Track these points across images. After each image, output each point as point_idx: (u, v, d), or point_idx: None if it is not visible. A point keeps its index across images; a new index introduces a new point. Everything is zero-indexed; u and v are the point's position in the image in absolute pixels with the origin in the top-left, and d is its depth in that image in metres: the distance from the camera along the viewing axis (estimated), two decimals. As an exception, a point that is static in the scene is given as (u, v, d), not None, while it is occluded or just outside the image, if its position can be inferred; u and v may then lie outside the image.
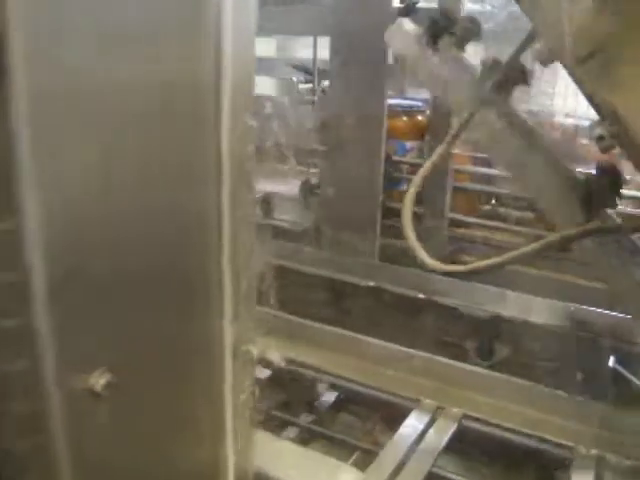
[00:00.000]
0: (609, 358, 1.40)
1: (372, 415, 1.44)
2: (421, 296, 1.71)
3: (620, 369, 1.38)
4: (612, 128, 0.64)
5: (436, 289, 1.72)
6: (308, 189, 2.16)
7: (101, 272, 0.69)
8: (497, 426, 1.26)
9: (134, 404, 0.80)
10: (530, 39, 0.82)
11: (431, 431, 1.22)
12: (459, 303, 1.68)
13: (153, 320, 0.81)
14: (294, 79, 2.61)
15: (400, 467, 1.12)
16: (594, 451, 1.16)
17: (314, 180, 2.11)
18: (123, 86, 0.69)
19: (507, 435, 1.25)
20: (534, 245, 0.71)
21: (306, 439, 1.39)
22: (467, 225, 2.02)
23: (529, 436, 1.23)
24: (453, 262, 1.95)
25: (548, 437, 1.21)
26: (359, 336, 1.45)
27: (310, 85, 2.57)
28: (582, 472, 1.13)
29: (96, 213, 0.67)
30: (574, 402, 1.27)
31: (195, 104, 0.77)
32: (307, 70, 2.51)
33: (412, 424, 1.24)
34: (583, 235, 0.70)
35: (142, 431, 0.84)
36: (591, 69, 0.61)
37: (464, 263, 1.93)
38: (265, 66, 3.14)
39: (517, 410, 1.27)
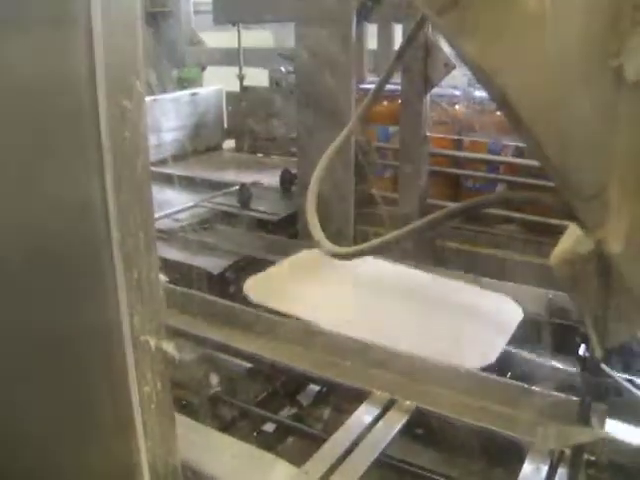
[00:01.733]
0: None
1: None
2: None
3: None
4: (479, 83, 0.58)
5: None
6: (288, 179, 2.12)
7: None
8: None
9: (18, 400, 0.78)
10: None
11: (379, 424, 1.17)
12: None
13: (38, 312, 0.78)
14: (282, 69, 2.57)
15: (339, 462, 1.07)
16: (551, 445, 1.09)
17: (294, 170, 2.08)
18: None
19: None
20: (418, 223, 0.66)
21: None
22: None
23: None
24: (434, 248, 1.90)
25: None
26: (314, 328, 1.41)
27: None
28: (536, 464, 1.07)
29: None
30: (537, 394, 1.19)
31: (69, 93, 0.74)
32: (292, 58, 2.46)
33: (360, 417, 1.19)
34: (471, 208, 0.65)
35: (33, 427, 0.82)
36: (452, 20, 0.56)
37: (443, 249, 1.89)
38: (262, 57, 3.11)
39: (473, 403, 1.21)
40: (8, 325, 0.76)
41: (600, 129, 0.52)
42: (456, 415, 1.18)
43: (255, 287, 1.56)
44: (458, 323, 1.38)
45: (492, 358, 1.29)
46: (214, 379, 1.45)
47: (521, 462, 1.08)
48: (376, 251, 0.71)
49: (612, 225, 0.53)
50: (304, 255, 1.73)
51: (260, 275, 1.60)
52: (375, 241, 0.70)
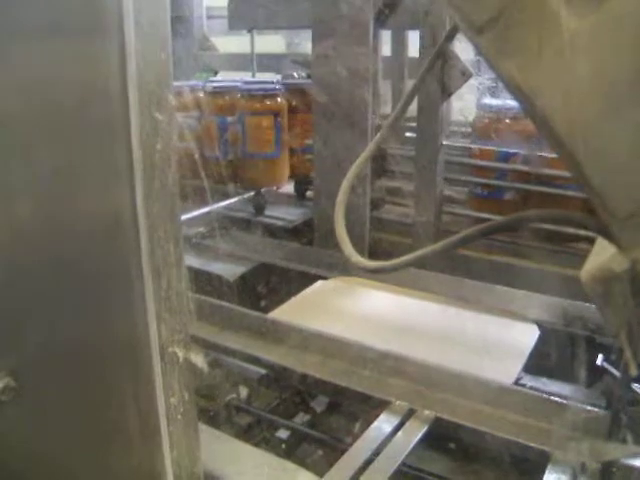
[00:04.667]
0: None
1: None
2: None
3: (609, 368, 1.30)
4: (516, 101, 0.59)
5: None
6: (303, 185, 2.13)
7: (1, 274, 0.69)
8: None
9: (46, 408, 0.79)
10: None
11: (399, 434, 1.17)
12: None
13: (67, 322, 0.79)
14: (294, 74, 2.58)
15: (360, 472, 1.08)
16: (571, 456, 1.09)
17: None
18: (25, 88, 0.68)
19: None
20: (447, 241, 0.66)
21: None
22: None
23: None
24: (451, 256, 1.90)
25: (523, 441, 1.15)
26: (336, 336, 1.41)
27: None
28: (556, 476, 1.07)
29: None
30: (554, 403, 1.19)
31: (101, 104, 0.75)
32: (305, 64, 2.48)
33: (379, 427, 1.19)
34: (498, 229, 0.65)
35: (61, 436, 0.82)
36: (492, 39, 0.56)
37: (460, 257, 1.89)
38: (274, 63, 3.12)
39: (492, 412, 1.21)
40: (39, 334, 0.77)
41: (637, 151, 0.52)
42: (475, 425, 1.18)
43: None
44: (470, 357, 1.38)
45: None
46: (230, 386, 1.46)
47: (540, 474, 1.09)
48: (403, 267, 0.72)
49: (649, 245, 0.53)
50: (318, 288, 1.73)
51: (277, 311, 1.61)
52: (402, 258, 0.71)
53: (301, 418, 1.52)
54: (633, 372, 0.58)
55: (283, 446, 1.33)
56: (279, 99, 2.17)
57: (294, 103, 2.25)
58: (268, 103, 2.14)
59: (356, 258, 0.75)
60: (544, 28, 0.53)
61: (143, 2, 0.75)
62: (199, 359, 0.86)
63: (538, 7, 0.53)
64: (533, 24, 0.54)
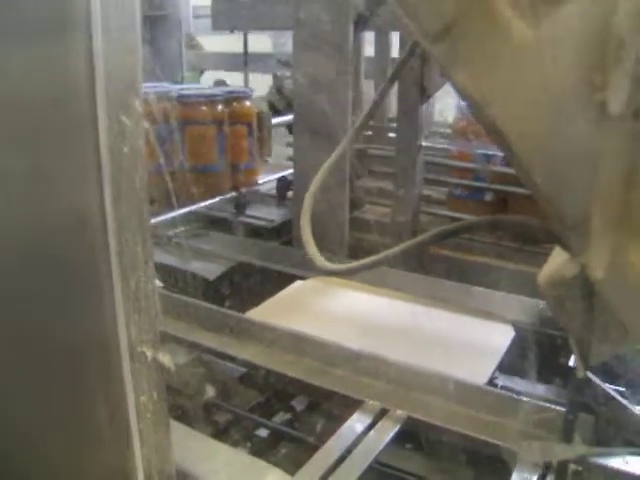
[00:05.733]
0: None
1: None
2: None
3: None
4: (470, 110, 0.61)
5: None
6: (284, 185, 2.14)
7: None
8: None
9: (15, 407, 0.79)
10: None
11: (371, 433, 1.19)
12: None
13: (37, 322, 0.80)
14: (278, 74, 2.58)
15: (331, 471, 1.09)
16: (534, 460, 1.11)
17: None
18: None
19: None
20: (409, 242, 0.68)
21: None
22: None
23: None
24: (432, 256, 1.92)
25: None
26: (310, 335, 1.42)
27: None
28: (524, 474, 1.08)
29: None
30: (528, 405, 1.21)
31: (69, 107, 0.75)
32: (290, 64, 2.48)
33: (352, 426, 1.20)
34: (456, 232, 0.66)
35: (32, 435, 0.83)
36: (444, 49, 0.58)
37: (435, 257, 1.91)
38: (260, 62, 3.13)
39: (463, 412, 1.23)
40: (6, 334, 0.77)
41: (585, 161, 0.54)
42: (447, 424, 1.20)
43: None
44: (444, 357, 1.40)
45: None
46: (208, 385, 1.47)
47: (510, 472, 1.10)
48: (367, 268, 0.73)
49: (594, 252, 0.55)
50: (295, 289, 1.74)
51: (254, 311, 1.62)
52: (366, 259, 0.72)
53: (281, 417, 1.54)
54: (579, 374, 0.60)
55: (249, 444, 1.34)
56: (220, 107, 2.12)
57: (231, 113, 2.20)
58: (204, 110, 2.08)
59: (319, 261, 0.77)
60: (495, 39, 0.55)
61: (111, 7, 0.76)
62: (167, 359, 0.87)
63: (490, 18, 0.54)
64: (485, 35, 0.55)
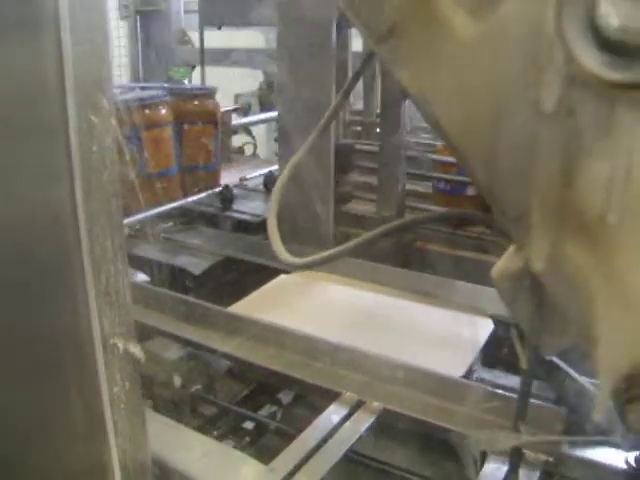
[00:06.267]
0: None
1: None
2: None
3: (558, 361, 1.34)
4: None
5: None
6: (271, 181, 2.15)
7: None
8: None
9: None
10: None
11: (347, 424, 1.21)
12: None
13: (7, 315, 0.82)
14: (268, 70, 2.60)
15: (305, 460, 1.11)
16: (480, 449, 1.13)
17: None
18: None
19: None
20: (365, 236, 0.70)
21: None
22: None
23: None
24: (412, 250, 1.94)
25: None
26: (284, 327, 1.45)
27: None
28: (496, 464, 1.11)
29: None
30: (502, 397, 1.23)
31: (39, 105, 0.77)
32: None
33: (328, 417, 1.22)
34: (410, 226, 0.68)
35: (6, 430, 0.85)
36: (388, 48, 0.59)
37: (423, 251, 1.93)
38: (251, 57, 3.14)
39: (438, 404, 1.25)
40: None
41: (523, 156, 0.56)
42: (421, 416, 1.22)
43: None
44: (422, 350, 1.42)
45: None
46: (192, 378, 1.49)
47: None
48: (329, 261, 0.75)
49: (534, 244, 0.57)
50: (278, 283, 1.76)
51: (237, 305, 1.64)
52: (327, 252, 0.74)
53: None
54: (523, 365, 0.62)
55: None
56: (162, 109, 2.07)
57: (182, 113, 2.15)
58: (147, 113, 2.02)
59: (283, 255, 0.78)
60: (437, 37, 0.57)
61: (79, 6, 0.77)
62: (137, 350, 0.89)
63: (432, 17, 0.56)
64: (426, 34, 0.57)
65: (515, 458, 0.93)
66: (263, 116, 2.90)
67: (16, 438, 0.87)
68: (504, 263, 0.69)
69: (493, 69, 0.55)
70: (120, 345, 0.89)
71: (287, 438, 1.33)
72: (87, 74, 0.79)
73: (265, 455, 1.18)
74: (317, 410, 1.27)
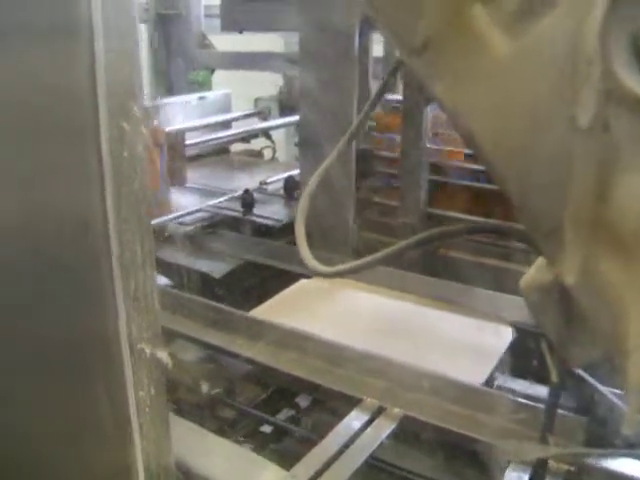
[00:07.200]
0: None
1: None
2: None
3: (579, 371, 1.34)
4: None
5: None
6: (291, 185, 2.16)
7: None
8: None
9: (20, 403, 0.82)
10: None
11: (368, 431, 1.21)
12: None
13: (41, 319, 0.83)
14: (288, 73, 2.61)
15: (327, 466, 1.12)
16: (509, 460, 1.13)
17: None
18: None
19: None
20: (395, 247, 0.70)
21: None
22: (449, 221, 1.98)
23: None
24: (436, 258, 1.93)
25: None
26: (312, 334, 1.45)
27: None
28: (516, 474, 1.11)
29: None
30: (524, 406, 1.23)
31: (72, 112, 0.79)
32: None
33: (349, 424, 1.23)
34: (442, 237, 0.69)
35: (35, 431, 0.86)
36: (423, 62, 0.60)
37: (446, 259, 1.92)
38: (271, 61, 3.14)
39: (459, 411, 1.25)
40: (12, 331, 0.80)
41: (557, 171, 0.56)
42: (442, 423, 1.22)
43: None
44: (443, 357, 1.42)
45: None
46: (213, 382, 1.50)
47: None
48: (358, 270, 0.75)
49: (567, 259, 0.57)
50: (299, 287, 1.77)
51: (258, 309, 1.65)
52: (357, 261, 0.74)
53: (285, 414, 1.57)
54: (553, 378, 0.62)
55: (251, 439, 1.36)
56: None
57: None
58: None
59: (311, 263, 0.79)
60: (472, 53, 0.57)
61: (112, 15, 0.78)
62: (164, 355, 0.90)
63: (467, 33, 0.56)
64: (462, 49, 0.57)
65: (540, 469, 0.93)
66: (281, 121, 2.92)
67: (43, 441, 0.88)
68: (533, 275, 0.69)
69: (528, 85, 0.55)
70: (147, 350, 0.90)
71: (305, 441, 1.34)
72: (119, 81, 0.80)
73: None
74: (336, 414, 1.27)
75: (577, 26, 0.53)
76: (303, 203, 0.88)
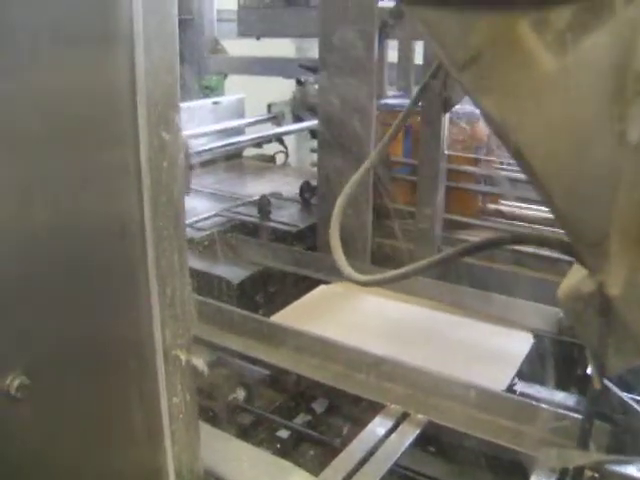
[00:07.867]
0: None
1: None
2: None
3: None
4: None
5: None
6: (307, 191, 2.17)
7: (16, 277, 0.73)
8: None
9: (57, 406, 0.83)
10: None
11: (392, 437, 1.22)
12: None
13: (77, 325, 0.84)
14: (302, 79, 2.62)
15: (354, 472, 1.12)
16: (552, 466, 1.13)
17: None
18: (37, 96, 0.72)
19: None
20: (437, 256, 0.71)
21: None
22: (466, 226, 2.00)
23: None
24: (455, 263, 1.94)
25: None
26: (334, 340, 1.46)
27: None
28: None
29: (15, 222, 0.71)
30: (547, 412, 1.24)
31: (112, 117, 0.79)
32: (313, 69, 2.51)
33: (373, 430, 1.24)
34: (485, 247, 0.70)
35: (70, 433, 0.87)
36: (471, 76, 0.61)
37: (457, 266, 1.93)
38: (283, 67, 3.15)
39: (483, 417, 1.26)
40: (49, 335, 0.81)
41: (604, 185, 0.57)
42: (466, 429, 1.23)
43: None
44: (464, 363, 1.43)
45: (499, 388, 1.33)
46: (233, 387, 1.51)
47: (527, 477, 1.13)
48: (394, 280, 0.76)
49: (612, 270, 0.58)
50: (319, 293, 1.78)
51: (278, 315, 1.66)
52: (394, 271, 0.75)
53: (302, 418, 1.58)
54: (596, 385, 0.63)
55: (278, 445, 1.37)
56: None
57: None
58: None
59: (348, 271, 0.80)
60: (520, 68, 0.58)
61: (152, 28, 0.80)
62: (200, 362, 0.91)
63: (515, 48, 0.57)
64: (510, 64, 0.58)
65: (578, 476, 0.94)
66: (297, 126, 2.92)
67: (79, 442, 0.89)
68: (571, 285, 0.70)
69: (577, 101, 0.56)
70: (182, 357, 0.91)
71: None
72: (158, 90, 0.81)
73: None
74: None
75: (626, 43, 0.54)
76: (336, 214, 0.89)
